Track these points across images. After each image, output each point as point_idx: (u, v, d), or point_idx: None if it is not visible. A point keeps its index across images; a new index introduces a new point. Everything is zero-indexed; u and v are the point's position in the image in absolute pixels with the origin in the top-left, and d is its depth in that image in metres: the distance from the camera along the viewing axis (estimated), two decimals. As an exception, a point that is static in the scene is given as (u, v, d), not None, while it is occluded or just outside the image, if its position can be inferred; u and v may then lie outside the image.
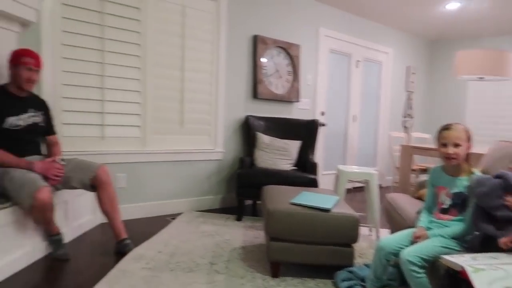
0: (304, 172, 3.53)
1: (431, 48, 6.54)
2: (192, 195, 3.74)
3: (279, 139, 3.81)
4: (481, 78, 4.12)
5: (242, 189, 3.40)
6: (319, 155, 4.85)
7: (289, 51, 4.38)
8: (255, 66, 4.10)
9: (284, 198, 2.46)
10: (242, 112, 4.06)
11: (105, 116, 3.17)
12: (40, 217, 2.22)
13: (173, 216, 3.45)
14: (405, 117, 6.14)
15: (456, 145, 1.90)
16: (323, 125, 4.89)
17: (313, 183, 3.35)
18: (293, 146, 3.79)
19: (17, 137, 2.37)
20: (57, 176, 2.35)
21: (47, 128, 2.61)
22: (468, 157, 1.95)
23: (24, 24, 2.68)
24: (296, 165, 3.77)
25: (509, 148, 2.43)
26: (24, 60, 2.35)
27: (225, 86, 3.89)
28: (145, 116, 3.37)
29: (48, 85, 2.85)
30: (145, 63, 3.33)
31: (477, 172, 1.93)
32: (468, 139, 1.92)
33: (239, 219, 3.45)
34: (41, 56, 2.50)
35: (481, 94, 6.00)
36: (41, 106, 2.57)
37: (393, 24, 5.62)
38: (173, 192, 3.61)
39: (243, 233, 3.08)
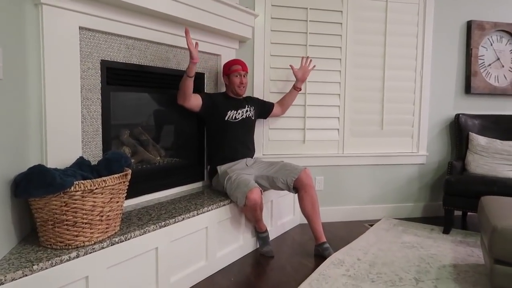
0: (538, 182, 2.84)
1: None
2: (390, 201, 3.51)
3: (500, 141, 3.20)
4: None
5: (451, 197, 2.98)
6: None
7: (519, 33, 3.64)
8: (468, 56, 3.56)
9: None
10: (450, 110, 3.58)
11: (306, 120, 3.28)
12: (251, 215, 2.46)
13: (370, 222, 3.30)
14: None
15: None
16: None
17: (551, 196, 2.66)
18: (520, 149, 3.11)
19: (235, 129, 2.72)
20: None
21: (263, 110, 2.99)
22: None
23: (241, 40, 3.06)
24: (524, 172, 3.08)
25: None
26: (233, 69, 2.73)
27: (431, 83, 3.51)
28: (343, 119, 3.35)
29: (259, 93, 3.15)
30: (345, 66, 3.31)
31: None
32: None
33: (446, 231, 3.03)
34: (248, 65, 2.83)
35: None
36: (253, 102, 2.91)
37: None
38: (370, 197, 3.46)
39: (452, 249, 2.68)
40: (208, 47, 2.72)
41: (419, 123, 3.51)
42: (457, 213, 3.46)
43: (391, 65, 3.40)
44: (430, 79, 3.50)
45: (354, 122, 3.38)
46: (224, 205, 2.39)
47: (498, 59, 3.65)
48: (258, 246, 2.68)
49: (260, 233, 2.63)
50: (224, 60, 2.86)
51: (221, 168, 2.66)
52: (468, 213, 3.45)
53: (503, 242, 1.87)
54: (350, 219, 3.40)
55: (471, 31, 3.54)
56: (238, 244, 2.53)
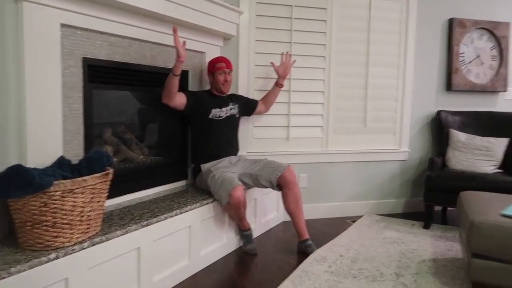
0: (514, 176, 2.93)
1: None
2: (373, 197, 3.56)
3: (479, 137, 3.27)
4: None
5: (431, 193, 3.05)
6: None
7: (495, 31, 3.70)
8: (450, 53, 3.62)
9: (490, 208, 2.08)
10: (432, 107, 3.65)
11: (290, 118, 3.30)
12: (235, 213, 2.47)
13: (353, 219, 3.35)
14: None
15: None
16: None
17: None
18: (498, 145, 3.18)
19: (219, 127, 2.72)
20: None
21: (247, 107, 2.98)
22: None
23: (226, 38, 3.05)
24: (501, 167, 3.15)
25: None
26: (217, 66, 2.72)
27: (413, 80, 3.56)
28: (327, 116, 3.38)
29: (243, 90, 3.14)
30: (329, 63, 3.33)
31: None
32: None
33: (426, 226, 3.10)
34: (232, 62, 2.82)
35: None
36: (237, 99, 2.91)
37: None
38: (353, 193, 3.51)
39: (432, 243, 2.74)
40: (193, 45, 2.70)
41: (401, 120, 3.56)
42: (438, 208, 3.54)
43: (374, 62, 3.44)
44: (413, 76, 3.55)
45: (338, 119, 3.41)
46: (208, 203, 2.40)
47: (478, 56, 3.72)
48: (241, 244, 2.69)
49: (243, 231, 2.64)
50: (208, 58, 2.85)
51: (204, 166, 2.66)
52: (448, 208, 3.52)
53: (481, 236, 1.92)
54: (334, 216, 3.43)
55: (453, 29, 3.60)
56: (221, 243, 2.54)
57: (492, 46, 3.74)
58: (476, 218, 1.95)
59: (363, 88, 3.44)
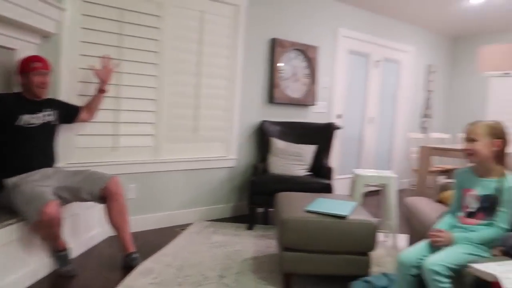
0: (319, 177, 3.42)
1: (453, 45, 6.28)
2: (203, 204, 3.66)
3: (294, 144, 3.70)
4: (507, 73, 3.89)
5: (255, 196, 3.31)
6: (334, 159, 4.68)
7: (307, 53, 4.27)
8: (272, 70, 4.02)
9: (298, 206, 2.36)
10: (257, 117, 3.98)
11: (119, 125, 3.13)
12: (47, 232, 2.19)
13: (183, 227, 3.37)
14: (423, 117, 5.92)
15: (472, 140, 1.76)
16: (339, 128, 4.73)
17: (327, 189, 3.23)
18: (308, 151, 3.67)
19: (31, 136, 2.38)
20: None
21: (68, 114, 2.69)
22: (502, 157, 1.79)
23: (44, 35, 2.69)
24: (310, 170, 3.65)
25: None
26: (33, 66, 2.37)
27: (241, 91, 3.82)
28: (159, 124, 3.33)
29: (64, 95, 2.83)
30: (162, 71, 3.29)
31: (509, 174, 1.77)
32: (495, 135, 1.76)
33: (250, 228, 3.34)
34: (52, 63, 2.53)
35: (504, 91, 5.67)
36: (55, 105, 2.59)
37: (415, 22, 5.41)
38: (184, 201, 3.54)
39: (254, 243, 2.97)
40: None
41: (230, 129, 3.77)
42: (261, 210, 3.86)
43: (206, 73, 3.56)
44: (241, 88, 3.81)
45: (170, 127, 3.40)
46: (11, 224, 2.06)
47: (295, 74, 4.23)
48: (57, 267, 2.39)
49: (58, 252, 2.35)
50: (21, 56, 2.47)
51: (11, 181, 2.29)
52: (270, 209, 3.86)
53: (289, 231, 2.16)
54: (164, 226, 3.39)
55: (274, 48, 4.01)
56: (28, 268, 2.20)
57: (305, 66, 4.32)
58: (285, 215, 2.19)
59: (195, 98, 3.52)
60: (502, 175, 1.76)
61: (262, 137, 3.86)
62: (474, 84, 5.99)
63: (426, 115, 5.96)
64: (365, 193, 4.95)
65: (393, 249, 2.93)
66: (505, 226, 1.71)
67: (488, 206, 1.77)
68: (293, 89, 4.23)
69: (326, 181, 3.31)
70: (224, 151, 3.77)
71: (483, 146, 1.76)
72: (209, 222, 3.55)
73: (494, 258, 1.63)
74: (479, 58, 3.88)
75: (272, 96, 4.02)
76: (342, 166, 4.90)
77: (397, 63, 5.49)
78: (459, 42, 6.21)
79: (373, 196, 4.76)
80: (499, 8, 4.59)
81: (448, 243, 1.73)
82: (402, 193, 5.03)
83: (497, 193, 1.74)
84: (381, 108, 5.38)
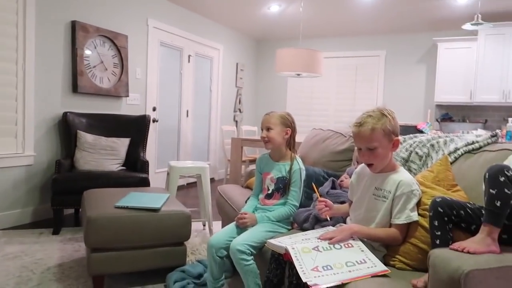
0: (134, 172, 3.29)
1: (257, 46, 6.97)
2: (-5, 210, 3.06)
3: (105, 138, 3.44)
4: (298, 74, 4.53)
5: (60, 196, 2.96)
6: (151, 153, 4.61)
7: (115, 41, 4.01)
8: (75, 56, 3.61)
9: (107, 202, 2.20)
10: (58, 108, 3.52)
11: None
12: None
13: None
14: (235, 111, 6.44)
15: (268, 129, 1.99)
16: (155, 120, 4.67)
17: (144, 182, 3.15)
18: (122, 144, 3.48)
19: None
20: None
21: None
22: (292, 143, 2.05)
23: None
24: (125, 164, 3.47)
25: (321, 133, 2.69)
26: None
27: (36, 78, 3.30)
28: None
29: None
30: None
31: (298, 157, 2.04)
32: (285, 124, 2.01)
33: (56, 232, 2.97)
34: None
35: (298, 89, 6.67)
36: None
37: (224, 22, 5.76)
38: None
39: (60, 249, 2.65)
40: None
41: (23, 121, 3.23)
42: (71, 211, 3.49)
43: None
44: (35, 74, 3.30)
45: None
46: None
47: (102, 62, 3.93)
48: None
49: None
50: None
51: None
52: (81, 209, 3.53)
53: (97, 230, 1.99)
54: None
55: (76, 32, 3.61)
56: None
57: (114, 54, 4.06)
58: (91, 213, 2.01)
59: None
60: (292, 159, 2.03)
61: (67, 130, 3.44)
62: (277, 82, 6.80)
63: (237, 110, 6.46)
64: (185, 185, 5.09)
65: (208, 236, 3.06)
66: (296, 203, 1.97)
67: (283, 187, 2.01)
68: (102, 78, 3.93)
69: (142, 175, 3.21)
70: (18, 147, 3.21)
71: (277, 134, 2.00)
72: (1, 231, 2.98)
73: (289, 232, 1.86)
74: (276, 60, 4.39)
75: (76, 85, 3.63)
76: (160, 159, 4.84)
77: (210, 59, 5.76)
78: (263, 44, 6.94)
79: (193, 187, 4.91)
80: (291, 17, 5.31)
81: (253, 224, 1.90)
82: (220, 182, 5.34)
83: (288, 175, 2.00)
84: (197, 102, 5.54)
